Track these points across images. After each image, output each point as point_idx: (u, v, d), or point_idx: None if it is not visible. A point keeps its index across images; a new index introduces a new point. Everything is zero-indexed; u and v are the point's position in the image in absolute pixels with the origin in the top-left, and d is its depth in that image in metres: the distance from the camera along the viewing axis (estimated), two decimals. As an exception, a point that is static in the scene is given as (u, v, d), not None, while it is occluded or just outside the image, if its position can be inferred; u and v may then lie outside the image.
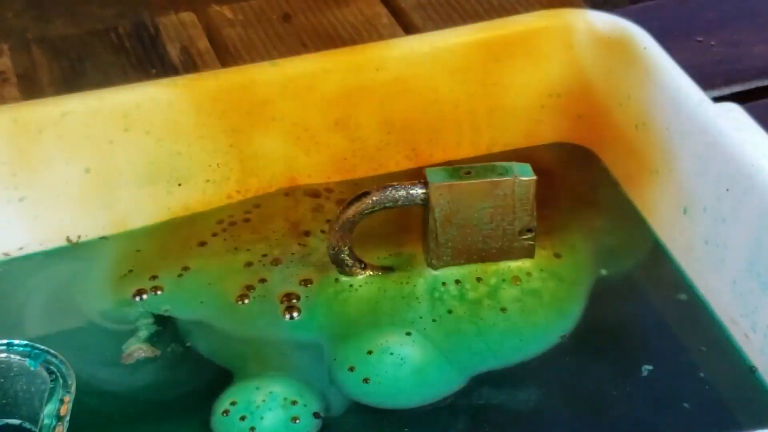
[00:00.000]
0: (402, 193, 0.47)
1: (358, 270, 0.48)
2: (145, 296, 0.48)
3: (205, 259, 0.50)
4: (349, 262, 0.48)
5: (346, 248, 0.48)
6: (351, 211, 0.47)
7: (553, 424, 0.43)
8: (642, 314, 0.48)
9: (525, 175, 0.47)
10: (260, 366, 0.45)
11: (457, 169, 0.47)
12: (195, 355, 0.46)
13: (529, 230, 0.48)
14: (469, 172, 0.47)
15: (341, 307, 0.47)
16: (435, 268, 0.48)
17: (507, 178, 0.47)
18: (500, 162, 0.48)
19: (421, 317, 0.46)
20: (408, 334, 0.46)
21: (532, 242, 0.48)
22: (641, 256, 0.50)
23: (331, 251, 0.48)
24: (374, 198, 0.47)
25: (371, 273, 0.48)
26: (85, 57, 0.64)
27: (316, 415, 0.43)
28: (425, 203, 0.47)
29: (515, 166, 0.47)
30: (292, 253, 0.50)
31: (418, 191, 0.47)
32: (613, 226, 0.51)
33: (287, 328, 0.46)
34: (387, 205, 0.47)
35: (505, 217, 0.47)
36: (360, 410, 0.43)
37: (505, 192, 0.47)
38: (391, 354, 0.45)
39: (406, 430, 0.42)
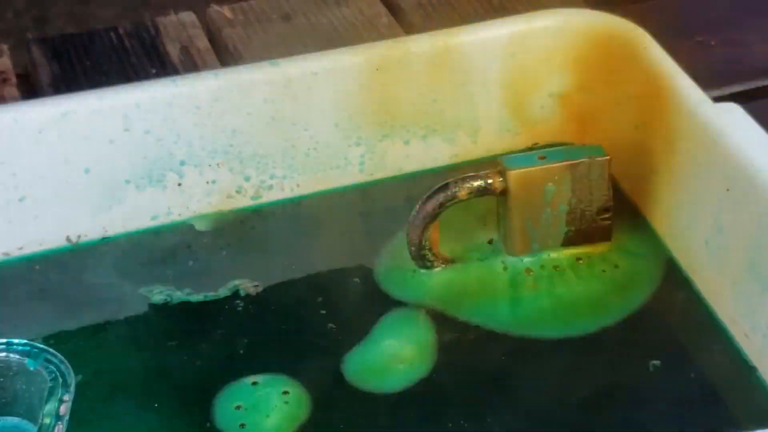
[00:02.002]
0: (480, 182, 0.47)
1: (439, 264, 0.49)
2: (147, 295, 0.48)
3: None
4: (431, 256, 0.48)
5: (427, 242, 0.48)
6: (431, 205, 0.47)
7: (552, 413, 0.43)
8: (641, 312, 0.47)
9: (598, 155, 0.48)
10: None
11: (531, 155, 0.48)
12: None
13: (606, 209, 0.48)
14: (543, 157, 0.48)
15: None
16: (516, 254, 0.49)
17: (582, 160, 0.47)
18: (569, 143, 0.49)
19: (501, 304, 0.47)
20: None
21: (609, 222, 0.49)
22: (641, 256, 0.50)
23: (413, 248, 0.48)
24: (453, 189, 0.47)
25: (450, 265, 0.49)
26: (85, 57, 0.65)
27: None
28: (503, 191, 0.47)
29: (587, 147, 0.48)
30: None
31: (496, 179, 0.47)
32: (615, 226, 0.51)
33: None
34: (466, 195, 0.47)
35: (583, 198, 0.48)
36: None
37: (581, 174, 0.47)
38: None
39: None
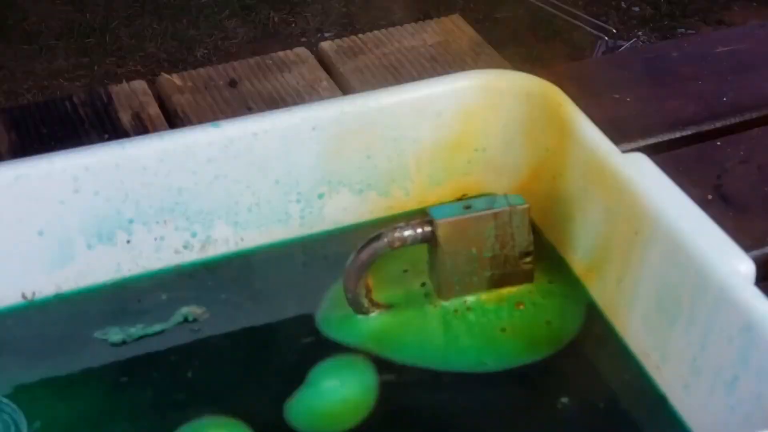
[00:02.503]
0: (410, 232, 0.50)
1: (375, 309, 0.52)
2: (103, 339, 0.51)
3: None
4: (366, 303, 0.51)
5: (363, 290, 0.51)
6: (365, 254, 0.50)
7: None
8: (563, 348, 0.50)
9: (519, 203, 0.51)
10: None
11: (457, 205, 0.52)
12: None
13: (528, 254, 0.52)
14: (468, 207, 0.51)
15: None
16: (446, 298, 0.52)
17: (504, 209, 0.51)
18: (492, 194, 0.53)
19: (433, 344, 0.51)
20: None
21: (531, 265, 0.52)
22: (562, 296, 0.53)
23: (349, 294, 0.51)
24: (386, 239, 0.50)
25: (385, 310, 0.52)
26: (42, 125, 0.67)
27: None
28: (432, 239, 0.51)
29: (509, 196, 0.52)
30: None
31: (425, 229, 0.51)
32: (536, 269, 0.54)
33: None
34: (397, 244, 0.50)
35: (506, 244, 0.51)
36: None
37: (503, 221, 0.51)
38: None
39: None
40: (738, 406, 0.43)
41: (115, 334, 0.51)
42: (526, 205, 0.51)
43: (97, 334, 0.51)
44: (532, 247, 0.52)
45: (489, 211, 0.51)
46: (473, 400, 0.48)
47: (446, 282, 0.52)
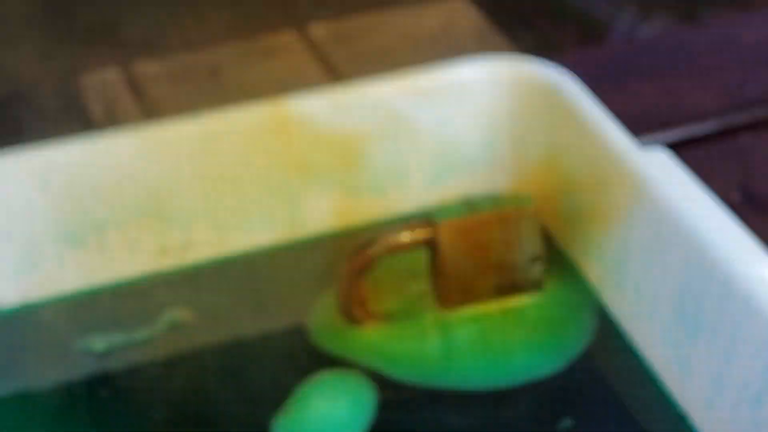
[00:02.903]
0: (408, 235, 0.50)
1: (370, 319, 0.52)
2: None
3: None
4: (360, 312, 0.51)
5: (357, 298, 0.51)
6: (359, 261, 0.50)
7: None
8: (575, 362, 0.51)
9: (527, 204, 0.51)
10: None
11: (460, 205, 0.51)
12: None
13: (537, 259, 0.51)
14: (472, 207, 0.51)
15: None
16: (448, 307, 0.52)
17: (512, 209, 0.50)
18: (498, 194, 0.52)
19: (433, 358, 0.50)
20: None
21: (540, 272, 0.52)
22: (574, 305, 0.53)
23: (343, 303, 0.51)
24: (383, 244, 0.50)
25: (381, 321, 0.52)
26: (5, 118, 0.67)
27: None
28: (433, 243, 0.50)
29: (516, 197, 0.52)
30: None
31: (426, 232, 0.50)
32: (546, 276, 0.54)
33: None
34: (395, 249, 0.50)
35: (512, 248, 0.51)
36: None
37: (511, 223, 0.50)
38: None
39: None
40: (764, 424, 0.44)
41: (97, 343, 0.51)
42: (531, 205, 0.51)
43: (78, 344, 0.51)
44: (542, 252, 0.52)
45: (495, 213, 0.51)
46: (477, 420, 0.49)
47: (448, 290, 0.52)
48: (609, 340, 0.51)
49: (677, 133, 0.65)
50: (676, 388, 0.48)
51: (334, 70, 0.70)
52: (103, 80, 0.70)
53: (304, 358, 0.51)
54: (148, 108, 0.68)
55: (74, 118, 0.67)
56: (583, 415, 0.48)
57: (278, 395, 0.49)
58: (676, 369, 0.48)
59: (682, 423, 0.47)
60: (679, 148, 0.63)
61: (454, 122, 0.57)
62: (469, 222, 0.51)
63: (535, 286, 0.53)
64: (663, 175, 0.50)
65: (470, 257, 0.51)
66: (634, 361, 0.50)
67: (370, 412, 0.49)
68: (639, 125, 0.63)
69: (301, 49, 0.72)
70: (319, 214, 0.57)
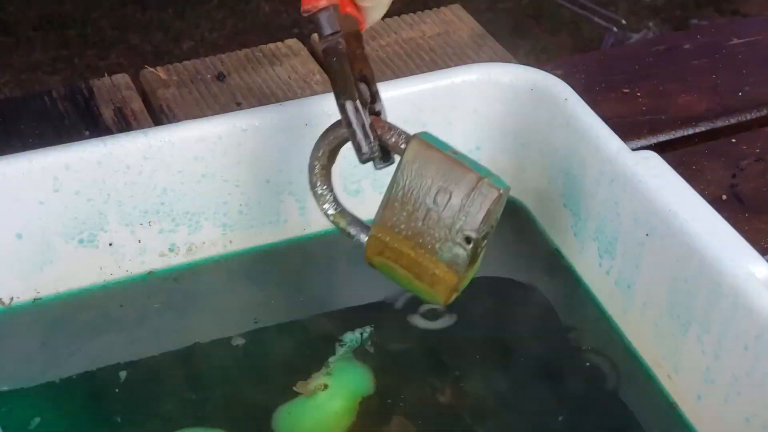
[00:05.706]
0: (380, 132, 0.46)
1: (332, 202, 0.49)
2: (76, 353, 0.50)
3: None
4: (324, 191, 0.49)
5: (325, 185, 0.48)
6: (331, 135, 0.48)
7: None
8: (568, 356, 0.51)
9: (497, 184, 0.45)
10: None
11: (446, 145, 0.46)
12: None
13: (468, 240, 0.45)
14: (455, 153, 0.46)
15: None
16: (379, 236, 0.46)
17: (478, 174, 0.45)
18: (484, 165, 0.46)
19: None
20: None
21: (462, 256, 0.45)
22: (566, 301, 0.53)
23: (310, 174, 0.48)
24: (356, 123, 0.46)
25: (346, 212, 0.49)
26: (20, 120, 0.67)
27: None
28: (396, 152, 0.46)
29: (495, 176, 0.46)
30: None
31: (399, 136, 0.46)
32: (538, 273, 0.54)
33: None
34: (366, 136, 0.46)
35: (453, 208, 0.45)
36: None
37: (468, 185, 0.45)
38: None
39: None
40: (753, 417, 0.44)
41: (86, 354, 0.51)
42: (498, 190, 0.45)
43: (74, 348, 0.51)
44: (478, 239, 0.45)
45: (464, 165, 0.45)
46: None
47: (386, 217, 0.46)
48: (602, 336, 0.51)
49: (668, 136, 0.65)
50: (668, 382, 0.48)
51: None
52: (113, 84, 0.70)
53: (305, 356, 0.51)
54: (156, 110, 0.68)
55: (86, 120, 0.67)
56: (576, 408, 0.48)
57: (279, 390, 0.49)
58: (668, 364, 0.48)
59: (674, 415, 0.47)
60: (669, 149, 0.63)
61: (452, 127, 0.57)
62: (438, 157, 0.45)
63: (450, 267, 0.45)
64: (654, 175, 0.50)
65: (416, 183, 0.45)
66: (626, 357, 0.50)
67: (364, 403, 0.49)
68: (630, 128, 0.64)
69: (304, 56, 0.72)
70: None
